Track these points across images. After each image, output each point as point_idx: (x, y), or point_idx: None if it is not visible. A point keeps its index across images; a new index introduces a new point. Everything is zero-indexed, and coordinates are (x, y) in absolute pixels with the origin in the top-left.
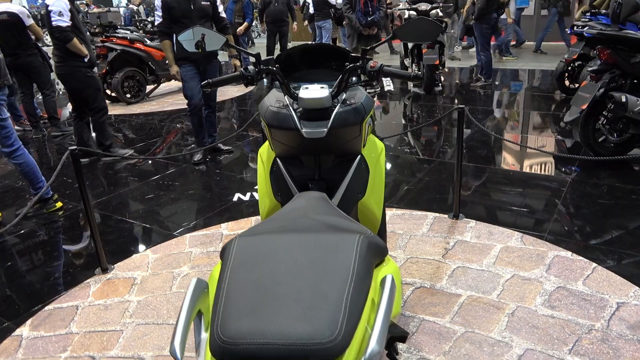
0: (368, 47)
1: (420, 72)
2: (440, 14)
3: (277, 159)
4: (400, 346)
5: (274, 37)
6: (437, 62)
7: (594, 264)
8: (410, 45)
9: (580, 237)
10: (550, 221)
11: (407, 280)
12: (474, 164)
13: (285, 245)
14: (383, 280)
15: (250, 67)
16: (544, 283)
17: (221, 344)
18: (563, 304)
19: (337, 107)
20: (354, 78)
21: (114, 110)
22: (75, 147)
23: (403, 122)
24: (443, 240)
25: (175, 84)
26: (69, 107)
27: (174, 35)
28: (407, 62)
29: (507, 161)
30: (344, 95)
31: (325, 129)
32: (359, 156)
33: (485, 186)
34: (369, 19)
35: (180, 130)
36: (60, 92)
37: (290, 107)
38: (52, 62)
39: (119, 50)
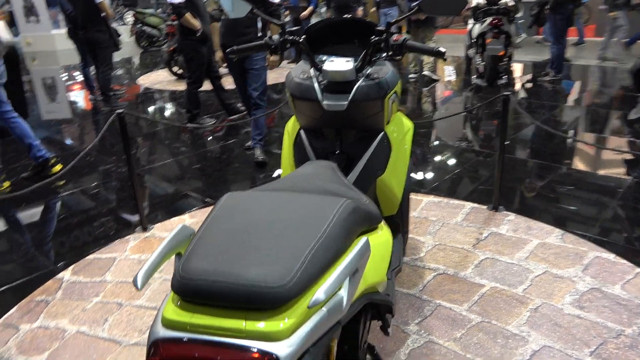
0: (392, 22)
1: (441, 49)
2: (511, 2)
3: (301, 130)
4: (411, 328)
5: None
6: (502, 52)
7: (638, 269)
8: (475, 33)
9: (628, 240)
10: (598, 221)
11: (430, 266)
12: (524, 157)
13: (271, 202)
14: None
15: (275, 37)
16: (577, 283)
17: (179, 279)
18: (594, 306)
19: (360, 81)
20: (383, 54)
21: (180, 86)
22: (122, 110)
23: (455, 111)
24: (476, 231)
25: None
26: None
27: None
28: (470, 52)
29: (561, 157)
30: (369, 70)
31: (346, 102)
32: (382, 133)
33: (532, 181)
34: (412, 4)
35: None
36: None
37: (315, 79)
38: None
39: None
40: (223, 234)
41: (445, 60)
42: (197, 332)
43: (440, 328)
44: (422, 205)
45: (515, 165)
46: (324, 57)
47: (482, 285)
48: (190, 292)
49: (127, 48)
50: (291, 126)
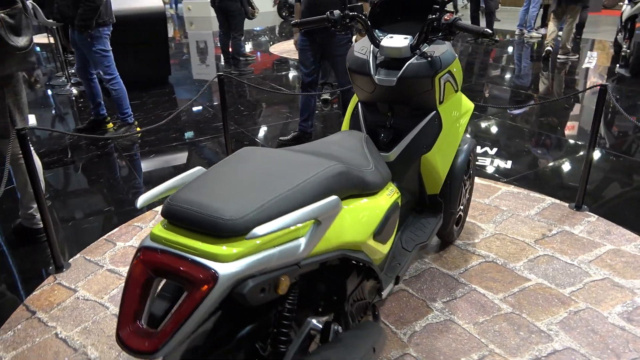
0: (446, 0)
1: (488, 30)
2: None
3: (359, 103)
4: (436, 305)
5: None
6: None
7: None
8: (625, 16)
9: None
10: None
11: (480, 252)
12: (626, 157)
13: (272, 158)
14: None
15: (337, 12)
16: (637, 295)
17: (166, 204)
18: None
19: (413, 59)
20: (439, 34)
21: None
22: (222, 73)
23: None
24: (546, 226)
25: None
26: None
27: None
28: (619, 37)
29: None
30: (425, 48)
31: (395, 78)
32: (434, 112)
33: (630, 183)
34: None
35: None
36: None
37: (371, 54)
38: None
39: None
40: (217, 175)
41: (496, 42)
42: (168, 245)
43: (466, 310)
44: (498, 193)
45: (614, 164)
46: (386, 34)
47: (528, 280)
48: (169, 214)
49: (270, 17)
50: (354, 98)
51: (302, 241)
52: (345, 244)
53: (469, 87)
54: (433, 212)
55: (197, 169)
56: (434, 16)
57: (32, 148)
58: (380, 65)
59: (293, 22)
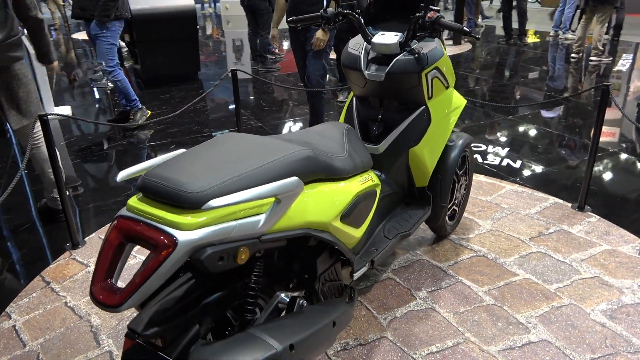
0: None
1: (466, 29)
2: None
3: (354, 97)
4: (420, 293)
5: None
6: None
7: None
8: None
9: None
10: None
11: (472, 247)
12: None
13: (247, 141)
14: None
15: (330, 10)
16: (624, 294)
17: (141, 178)
18: (628, 320)
19: (401, 55)
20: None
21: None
22: (235, 69)
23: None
24: (544, 225)
25: None
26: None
27: None
28: None
29: None
30: (415, 45)
31: (383, 74)
32: (423, 107)
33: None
34: None
35: None
36: None
37: (363, 50)
38: None
39: None
40: (193, 155)
41: (477, 39)
42: (139, 214)
43: (448, 300)
44: (501, 192)
45: (625, 165)
46: (379, 31)
47: (516, 275)
48: (143, 188)
49: None
50: (351, 93)
51: (262, 217)
52: (309, 224)
53: (494, 88)
54: (421, 204)
55: (180, 150)
56: (419, 14)
57: (40, 137)
58: (372, 61)
59: (289, 19)
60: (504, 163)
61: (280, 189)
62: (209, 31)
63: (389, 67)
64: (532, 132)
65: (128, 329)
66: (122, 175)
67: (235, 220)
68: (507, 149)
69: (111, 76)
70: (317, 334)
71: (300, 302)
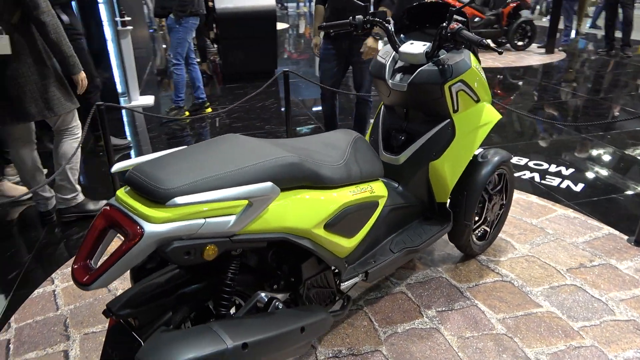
0: (454, 9)
1: (485, 41)
2: None
3: (382, 106)
4: (429, 312)
5: None
6: None
7: None
8: None
9: None
10: None
11: (500, 271)
12: None
13: (240, 143)
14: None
15: (359, 17)
16: None
17: (127, 173)
18: None
19: (425, 66)
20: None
21: None
22: (287, 69)
23: None
24: (588, 257)
25: None
26: None
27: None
28: None
29: None
30: (443, 56)
31: (406, 84)
32: (448, 120)
33: None
34: None
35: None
36: None
37: (391, 59)
38: None
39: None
40: (183, 153)
41: (499, 53)
42: (122, 204)
43: (456, 323)
44: (551, 215)
45: None
46: (410, 40)
47: (539, 306)
48: (127, 180)
49: None
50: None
51: (233, 218)
52: (287, 229)
53: (578, 103)
54: (440, 220)
55: (182, 147)
56: (443, 25)
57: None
58: (398, 70)
59: (319, 25)
60: (564, 185)
61: (251, 193)
62: (302, 29)
63: (411, 77)
64: (605, 154)
65: (106, 307)
66: (116, 167)
67: (203, 218)
68: (571, 170)
69: (174, 68)
70: (278, 337)
71: (276, 303)
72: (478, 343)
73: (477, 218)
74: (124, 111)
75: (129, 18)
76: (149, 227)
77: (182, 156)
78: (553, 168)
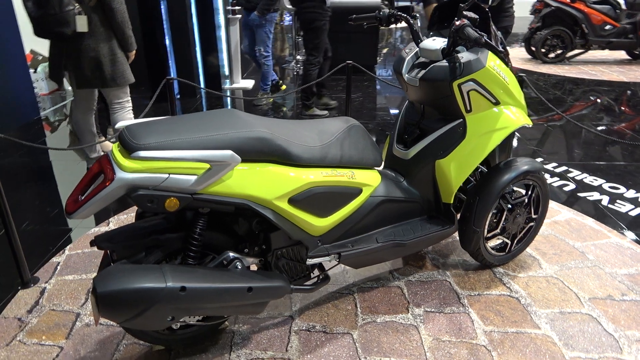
0: (464, 5)
1: (482, 40)
2: None
3: (407, 100)
4: (416, 310)
5: None
6: None
7: None
8: None
9: None
10: None
11: (511, 286)
12: None
13: (229, 116)
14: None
15: (385, 10)
16: None
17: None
18: None
19: (439, 62)
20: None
21: (535, 67)
22: (350, 61)
23: None
24: (622, 289)
25: (611, 54)
26: None
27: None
28: None
29: None
30: (462, 53)
31: (417, 79)
32: (460, 120)
33: None
34: None
35: (590, 103)
36: None
37: (413, 54)
38: None
39: (554, 7)
40: (178, 119)
41: (501, 54)
42: (112, 155)
43: (439, 325)
44: (600, 241)
45: None
46: (437, 36)
47: (536, 327)
48: (119, 137)
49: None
50: None
51: (193, 178)
52: (248, 196)
53: None
54: (442, 221)
55: (182, 115)
56: (454, 21)
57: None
58: (418, 65)
59: (350, 17)
60: (634, 212)
61: (210, 157)
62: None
63: (423, 73)
64: None
65: (94, 238)
66: (119, 124)
67: (167, 173)
68: None
69: (265, 60)
70: (220, 290)
71: (237, 263)
72: (451, 348)
73: (492, 227)
74: (226, 93)
75: (238, 7)
76: (119, 174)
77: (171, 121)
78: (631, 194)
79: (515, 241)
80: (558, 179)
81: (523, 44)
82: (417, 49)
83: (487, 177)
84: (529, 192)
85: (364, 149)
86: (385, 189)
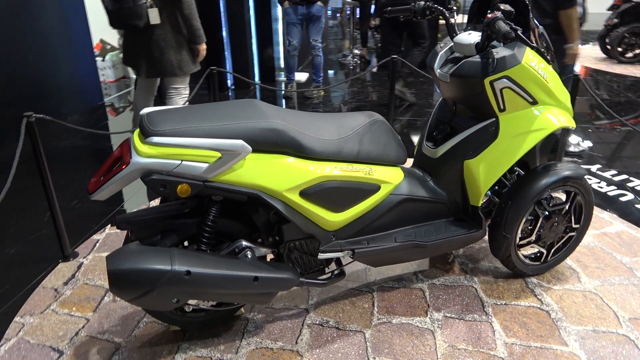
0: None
1: (510, 34)
2: None
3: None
4: (435, 315)
5: None
6: None
7: None
8: None
9: None
10: None
11: (543, 298)
12: None
13: (249, 106)
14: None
15: (420, 3)
16: None
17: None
18: None
19: (471, 57)
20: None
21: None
22: (395, 56)
23: None
24: None
25: None
26: None
27: None
28: None
29: None
30: (497, 49)
31: (448, 74)
32: (493, 119)
33: None
34: None
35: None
36: None
37: (447, 49)
38: None
39: (635, 3)
40: (199, 108)
41: (533, 47)
42: (131, 140)
43: (457, 332)
44: None
45: None
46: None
47: (564, 344)
48: (139, 123)
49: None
50: None
51: (205, 166)
52: (259, 187)
53: None
54: (469, 225)
55: (204, 104)
56: (486, 14)
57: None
58: (451, 60)
59: (384, 10)
60: None
61: (220, 146)
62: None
63: (454, 68)
64: None
65: (115, 218)
66: (144, 111)
67: (180, 160)
68: None
69: (320, 51)
70: (226, 277)
71: (247, 252)
72: (466, 357)
73: (526, 234)
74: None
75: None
76: (135, 159)
77: (190, 109)
78: None
79: (552, 251)
80: (615, 187)
81: (597, 41)
82: (451, 43)
83: (522, 180)
84: (570, 200)
85: (385, 145)
86: (408, 187)
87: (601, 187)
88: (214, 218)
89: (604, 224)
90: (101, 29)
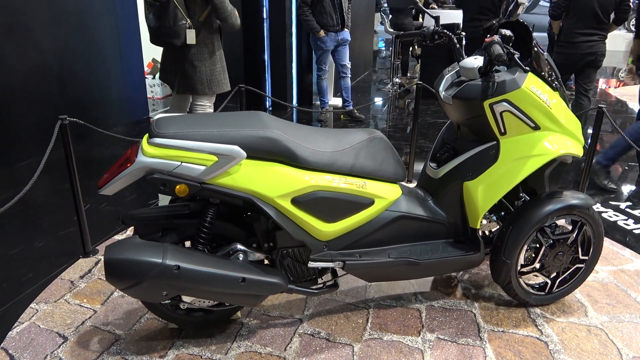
0: (487, 25)
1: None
2: None
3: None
4: (427, 336)
5: None
6: None
7: None
8: None
9: None
10: None
11: (543, 329)
12: None
13: (251, 116)
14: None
15: (431, 28)
16: None
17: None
18: None
19: (474, 80)
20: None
21: None
22: (419, 82)
23: None
24: None
25: None
26: None
27: None
28: None
29: None
30: (500, 72)
31: (451, 97)
32: (494, 142)
33: None
34: None
35: None
36: None
37: (454, 72)
38: None
39: None
40: (205, 116)
41: (525, 71)
42: (141, 142)
43: (446, 355)
44: None
45: None
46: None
47: None
48: (148, 129)
49: None
50: None
51: (202, 168)
52: (252, 192)
53: None
54: (466, 246)
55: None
56: (485, 39)
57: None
58: (456, 84)
59: (397, 34)
60: None
61: (216, 150)
62: None
63: (456, 91)
64: None
65: (121, 214)
66: (157, 116)
67: (180, 162)
68: None
69: (349, 73)
70: (213, 275)
71: (239, 254)
72: None
73: (528, 262)
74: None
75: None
76: (140, 158)
77: (197, 117)
78: None
79: (558, 282)
80: None
81: None
82: (458, 67)
83: (525, 206)
84: (576, 230)
85: (382, 162)
86: (406, 204)
87: (627, 225)
88: (211, 220)
89: (624, 261)
90: (154, 49)
